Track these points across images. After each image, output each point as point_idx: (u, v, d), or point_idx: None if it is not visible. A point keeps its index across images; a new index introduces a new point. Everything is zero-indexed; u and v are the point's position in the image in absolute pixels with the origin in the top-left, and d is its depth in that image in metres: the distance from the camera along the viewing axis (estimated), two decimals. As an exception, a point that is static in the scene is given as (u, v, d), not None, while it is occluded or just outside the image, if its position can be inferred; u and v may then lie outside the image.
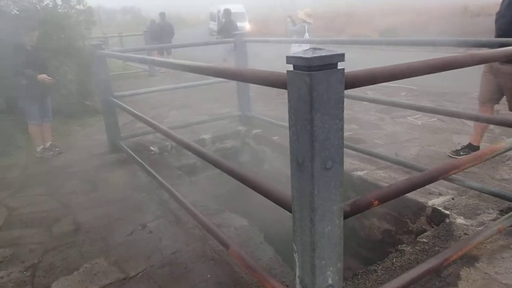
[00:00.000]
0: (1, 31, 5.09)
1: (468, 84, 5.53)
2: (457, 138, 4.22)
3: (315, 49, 1.23)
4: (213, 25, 26.27)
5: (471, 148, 3.63)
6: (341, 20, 23.42)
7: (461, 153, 3.64)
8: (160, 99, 7.03)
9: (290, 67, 1.28)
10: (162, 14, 11.61)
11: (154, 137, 4.73)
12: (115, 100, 3.99)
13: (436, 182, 2.99)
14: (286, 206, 1.53)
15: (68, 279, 2.20)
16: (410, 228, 2.93)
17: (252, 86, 5.10)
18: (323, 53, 1.20)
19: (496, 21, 3.44)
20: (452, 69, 1.60)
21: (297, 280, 1.50)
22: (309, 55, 1.18)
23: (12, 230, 2.83)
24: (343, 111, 1.27)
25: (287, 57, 1.26)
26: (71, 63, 6.71)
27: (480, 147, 3.60)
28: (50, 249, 2.54)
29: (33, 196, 3.41)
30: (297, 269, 1.48)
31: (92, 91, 7.19)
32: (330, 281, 1.43)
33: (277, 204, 1.62)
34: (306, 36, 7.91)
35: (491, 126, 4.09)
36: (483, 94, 3.61)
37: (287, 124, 4.30)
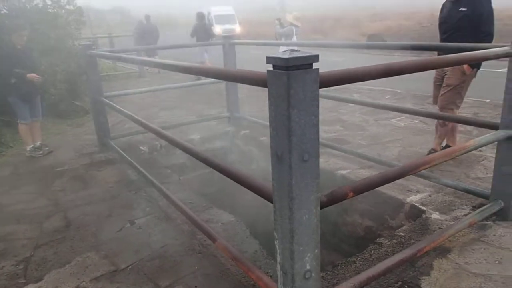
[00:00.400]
0: None
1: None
2: (437, 139, 4.38)
3: (292, 50, 1.34)
4: (203, 27, 26.34)
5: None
6: (329, 24, 23.72)
7: None
8: (150, 100, 7.10)
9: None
10: (147, 17, 11.65)
11: (144, 137, 4.80)
12: (105, 100, 4.06)
13: (415, 180, 3.16)
14: (268, 197, 1.65)
15: (60, 271, 2.28)
16: (390, 224, 3.06)
17: (242, 88, 5.21)
18: (299, 54, 1.31)
19: (440, 26, 3.66)
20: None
21: (278, 266, 1.61)
22: (287, 55, 1.30)
23: (4, 226, 2.88)
24: (318, 108, 1.39)
25: (267, 57, 1.37)
26: (61, 63, 6.74)
27: None
28: (41, 244, 2.61)
29: (24, 194, 3.46)
30: (278, 255, 1.59)
31: (81, 91, 7.23)
32: (308, 266, 1.54)
33: (259, 195, 1.73)
34: (294, 39, 8.07)
35: (469, 128, 4.28)
36: (435, 99, 3.84)
37: (273, 124, 4.32)
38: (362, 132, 4.78)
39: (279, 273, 1.62)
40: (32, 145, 4.49)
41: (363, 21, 23.02)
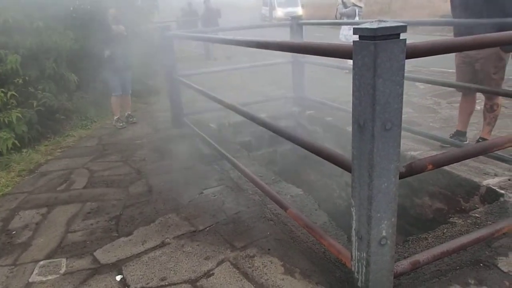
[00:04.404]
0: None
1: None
2: (519, 123, 4.10)
3: (380, 20, 1.38)
4: (265, 11, 26.31)
5: (460, 134, 3.65)
6: (398, 5, 22.56)
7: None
8: (215, 81, 7.33)
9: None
10: (207, 1, 11.94)
11: (212, 115, 5.02)
12: (181, 78, 4.31)
13: (493, 164, 3.02)
14: (346, 167, 1.71)
15: (147, 228, 2.54)
16: (462, 207, 2.97)
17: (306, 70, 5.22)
18: (387, 24, 1.34)
19: (455, 12, 3.29)
20: None
21: (353, 233, 1.68)
22: (375, 26, 1.33)
23: (96, 189, 3.25)
24: (403, 78, 1.42)
25: (354, 28, 1.42)
26: (137, 45, 7.19)
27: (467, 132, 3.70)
28: (129, 205, 2.91)
29: (109, 162, 3.85)
30: (354, 222, 1.66)
31: (153, 72, 7.69)
32: (384, 233, 1.59)
33: (337, 165, 1.80)
34: (357, 19, 7.88)
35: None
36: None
37: (340, 106, 4.50)
38: (434, 115, 4.60)
39: (354, 239, 1.69)
40: (118, 116, 4.99)
41: (434, 1, 21.57)
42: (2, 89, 4.34)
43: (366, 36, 1.37)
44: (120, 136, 4.72)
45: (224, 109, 4.39)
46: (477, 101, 3.79)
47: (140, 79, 7.09)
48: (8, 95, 4.37)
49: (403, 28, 1.37)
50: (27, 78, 4.70)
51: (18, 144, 4.25)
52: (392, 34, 1.35)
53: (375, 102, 1.40)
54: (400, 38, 1.38)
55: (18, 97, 4.48)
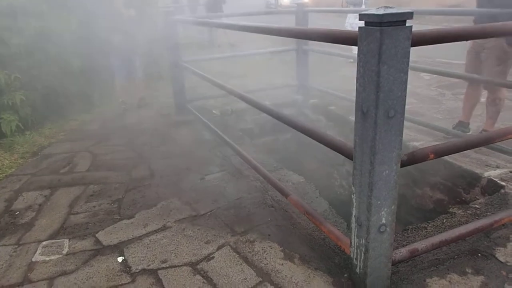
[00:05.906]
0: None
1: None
2: (523, 116, 4.08)
3: (386, 7, 1.36)
4: (271, -2, 25.98)
5: (463, 125, 3.64)
6: (405, -6, 22.25)
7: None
8: (219, 68, 7.30)
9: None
10: None
11: (215, 102, 5.02)
12: (184, 64, 4.29)
13: (495, 156, 3.02)
14: (347, 154, 1.71)
15: (149, 212, 2.57)
16: (463, 198, 2.98)
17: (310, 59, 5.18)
18: (394, 11, 1.33)
19: None
20: None
21: (353, 219, 1.69)
22: (381, 12, 1.32)
23: (98, 172, 3.27)
24: (408, 66, 1.41)
25: (360, 14, 1.41)
26: (146, 30, 7.14)
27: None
28: (131, 188, 2.94)
29: (112, 146, 3.86)
30: (354, 209, 1.67)
31: (156, 57, 7.64)
32: (383, 221, 1.60)
33: (339, 152, 1.80)
34: (363, 7, 7.80)
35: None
36: (469, 73, 3.52)
37: (343, 95, 4.50)
38: (438, 106, 4.58)
39: (353, 225, 1.70)
40: (122, 100, 5.01)
41: (443, -10, 21.33)
42: (6, 71, 4.34)
43: (372, 22, 1.36)
44: (123, 120, 4.73)
45: (227, 96, 4.40)
46: (482, 92, 3.77)
47: (146, 64, 7.06)
48: (12, 77, 4.37)
49: (409, 15, 1.36)
50: (31, 61, 4.68)
51: (22, 127, 4.27)
52: (398, 20, 1.34)
53: (379, 89, 1.40)
54: (406, 25, 1.37)
55: (22, 80, 4.48)
